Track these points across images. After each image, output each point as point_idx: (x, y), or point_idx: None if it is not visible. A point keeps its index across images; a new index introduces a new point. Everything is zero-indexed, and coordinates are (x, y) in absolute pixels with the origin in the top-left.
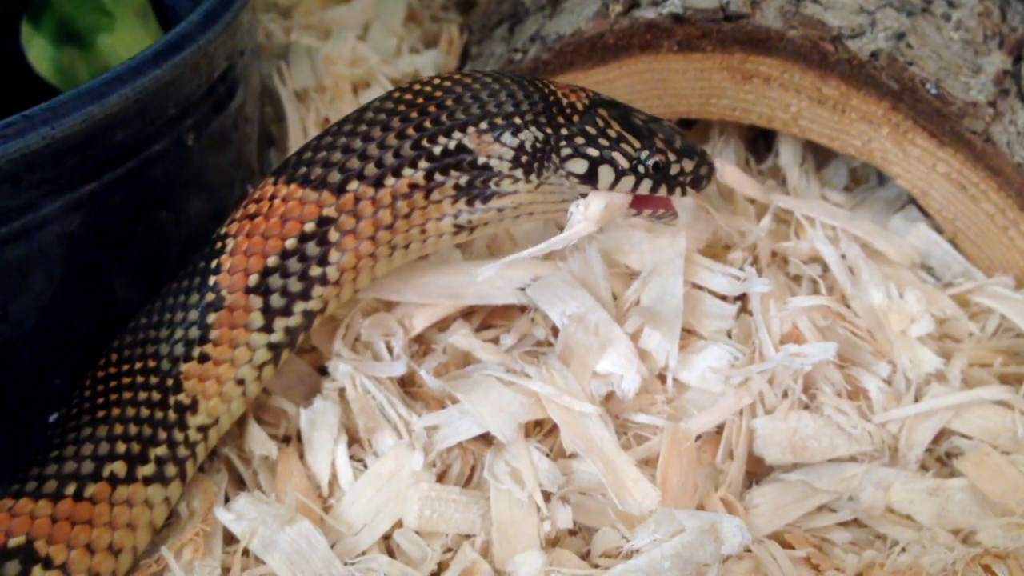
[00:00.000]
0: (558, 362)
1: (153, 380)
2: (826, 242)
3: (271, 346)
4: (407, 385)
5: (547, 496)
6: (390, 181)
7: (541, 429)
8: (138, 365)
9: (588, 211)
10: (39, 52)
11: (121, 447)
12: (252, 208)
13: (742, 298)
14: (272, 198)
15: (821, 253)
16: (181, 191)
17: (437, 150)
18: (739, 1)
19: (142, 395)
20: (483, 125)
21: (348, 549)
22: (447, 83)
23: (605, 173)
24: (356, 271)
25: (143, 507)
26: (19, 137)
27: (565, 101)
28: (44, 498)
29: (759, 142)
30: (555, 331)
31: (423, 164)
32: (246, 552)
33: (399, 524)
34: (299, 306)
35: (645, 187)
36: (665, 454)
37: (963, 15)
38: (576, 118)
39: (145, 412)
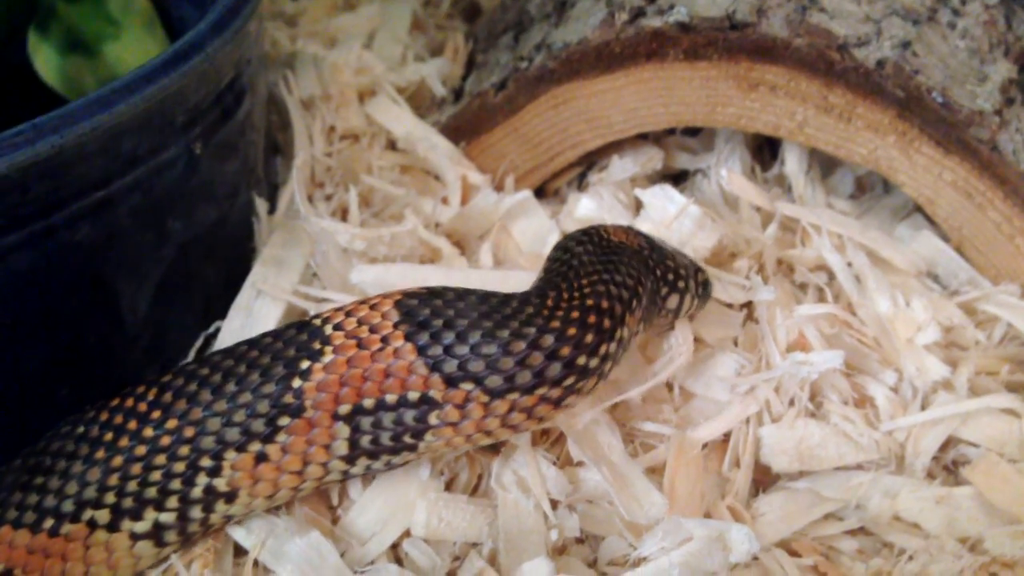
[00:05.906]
0: None
1: (183, 451)
2: (832, 250)
3: (345, 473)
4: None
5: (554, 504)
6: (513, 396)
7: (548, 438)
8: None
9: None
10: (46, 60)
11: (111, 499)
12: (364, 332)
13: (748, 306)
14: (385, 340)
15: (827, 261)
16: (188, 199)
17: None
18: (745, 10)
19: (159, 460)
20: (636, 312)
21: (357, 559)
22: (588, 307)
23: (687, 302)
24: (449, 447)
25: (126, 554)
26: (28, 146)
27: (645, 253)
28: (24, 528)
29: (765, 150)
30: None
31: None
32: (256, 564)
33: (407, 533)
34: (385, 457)
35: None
36: (672, 462)
37: (969, 24)
38: (663, 255)
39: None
